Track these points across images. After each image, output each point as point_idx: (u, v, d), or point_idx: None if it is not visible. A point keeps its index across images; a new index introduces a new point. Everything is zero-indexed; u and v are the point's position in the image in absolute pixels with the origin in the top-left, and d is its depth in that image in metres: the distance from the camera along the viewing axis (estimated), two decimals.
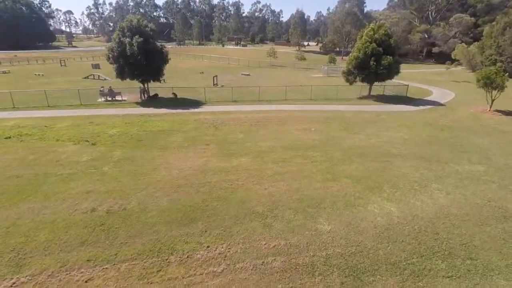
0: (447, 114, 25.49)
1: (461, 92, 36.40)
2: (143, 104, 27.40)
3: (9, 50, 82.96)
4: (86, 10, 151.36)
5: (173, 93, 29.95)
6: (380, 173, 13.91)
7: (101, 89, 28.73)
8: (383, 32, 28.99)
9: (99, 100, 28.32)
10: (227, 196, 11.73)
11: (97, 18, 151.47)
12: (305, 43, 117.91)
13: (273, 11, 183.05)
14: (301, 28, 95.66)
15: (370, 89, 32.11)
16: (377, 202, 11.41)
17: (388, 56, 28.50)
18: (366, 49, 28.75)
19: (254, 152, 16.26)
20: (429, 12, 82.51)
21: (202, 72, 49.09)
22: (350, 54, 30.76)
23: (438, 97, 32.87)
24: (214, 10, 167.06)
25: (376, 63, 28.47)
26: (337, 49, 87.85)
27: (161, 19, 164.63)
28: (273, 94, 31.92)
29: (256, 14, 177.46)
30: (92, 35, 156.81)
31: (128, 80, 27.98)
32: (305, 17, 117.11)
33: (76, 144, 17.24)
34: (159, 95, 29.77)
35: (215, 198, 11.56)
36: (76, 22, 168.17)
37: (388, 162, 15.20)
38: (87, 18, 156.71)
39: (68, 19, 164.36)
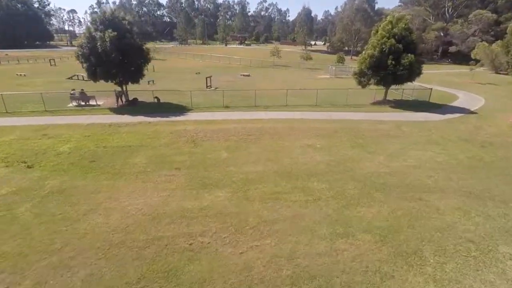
0: (483, 126, 20.79)
1: (491, 96, 31.46)
2: (118, 110, 23.37)
3: (7, 49, 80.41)
4: (89, 9, 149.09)
5: (156, 98, 25.89)
6: (414, 223, 9.50)
7: (72, 92, 24.80)
8: (403, 25, 24.40)
9: (70, 105, 24.42)
10: (180, 269, 7.49)
11: None
12: (312, 43, 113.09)
13: (279, 10, 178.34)
14: (308, 26, 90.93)
15: (386, 93, 27.54)
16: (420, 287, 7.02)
17: (409, 54, 23.91)
18: (383, 46, 24.21)
19: (237, 182, 12.00)
20: (445, 9, 76.91)
21: (199, 73, 45.05)
22: (364, 52, 26.28)
23: (466, 103, 28.07)
24: (219, 9, 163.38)
25: (394, 62, 23.91)
26: (346, 48, 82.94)
27: (165, 18, 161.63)
28: (272, 98, 27.57)
29: (262, 13, 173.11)
30: None
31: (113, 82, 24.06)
32: (312, 15, 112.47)
33: (8, 166, 13.22)
34: (141, 100, 25.73)
35: (159, 273, 7.34)
36: (80, 21, 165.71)
37: (423, 202, 10.77)
38: (90, 18, 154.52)
39: (71, 18, 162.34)
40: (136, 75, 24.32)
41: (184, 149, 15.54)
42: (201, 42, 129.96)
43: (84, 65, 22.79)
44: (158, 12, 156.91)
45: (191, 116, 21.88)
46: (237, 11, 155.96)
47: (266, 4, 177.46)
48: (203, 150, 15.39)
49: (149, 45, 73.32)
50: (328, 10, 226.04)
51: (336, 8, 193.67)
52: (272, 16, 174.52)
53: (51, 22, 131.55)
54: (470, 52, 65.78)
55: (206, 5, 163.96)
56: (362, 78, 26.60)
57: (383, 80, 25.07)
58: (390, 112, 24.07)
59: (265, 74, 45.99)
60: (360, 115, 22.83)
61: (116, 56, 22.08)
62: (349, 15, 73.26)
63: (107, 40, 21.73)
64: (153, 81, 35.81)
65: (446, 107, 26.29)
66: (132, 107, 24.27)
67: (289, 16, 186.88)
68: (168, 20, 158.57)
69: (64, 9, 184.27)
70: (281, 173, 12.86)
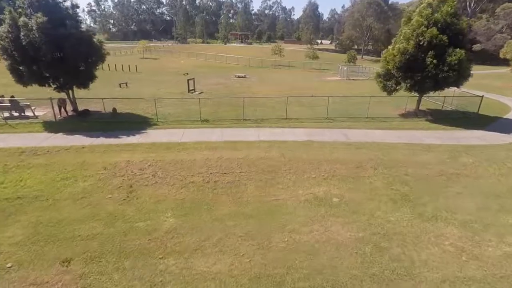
0: None
1: None
2: (55, 125, 17.00)
3: None
4: (87, 7, 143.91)
5: (113, 109, 19.44)
6: None
7: None
8: (449, 9, 17.66)
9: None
10: None
11: (97, 15, 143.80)
12: (318, 41, 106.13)
13: (284, 8, 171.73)
14: (314, 23, 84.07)
15: (419, 102, 20.79)
16: None
17: (457, 49, 17.21)
18: (420, 38, 17.50)
19: None
20: (467, 3, 69.53)
21: (187, 73, 38.67)
22: (391, 47, 19.58)
23: None
24: (222, 7, 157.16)
25: (437, 60, 17.21)
26: (355, 47, 75.88)
27: (165, 16, 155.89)
28: (268, 108, 21.04)
29: (266, 11, 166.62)
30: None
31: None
32: (318, 13, 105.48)
33: None
34: (97, 109, 19.34)
35: None
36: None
37: None
38: (88, 16, 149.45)
39: None
40: (82, 78, 17.95)
41: (106, 206, 9.08)
42: (201, 41, 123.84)
43: (6, 63, 16.48)
44: (158, 10, 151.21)
45: (149, 135, 15.41)
46: (240, 9, 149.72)
47: (270, 2, 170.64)
48: (137, 209, 8.91)
49: (141, 43, 67.70)
50: (335, 9, 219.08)
51: (343, 6, 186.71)
52: (277, 14, 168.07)
53: None
54: (496, 51, 58.72)
55: (208, 2, 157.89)
56: (388, 81, 19.90)
57: (418, 84, 18.32)
58: (431, 130, 17.28)
59: (264, 75, 39.43)
60: (391, 134, 16.13)
61: (48, 50, 15.76)
62: (360, 10, 66.23)
63: (34, 28, 15.45)
64: (126, 83, 29.52)
65: (502, 122, 19.49)
66: (79, 120, 17.90)
67: (294, 14, 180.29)
68: (168, 18, 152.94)
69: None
70: (270, 279, 6.34)
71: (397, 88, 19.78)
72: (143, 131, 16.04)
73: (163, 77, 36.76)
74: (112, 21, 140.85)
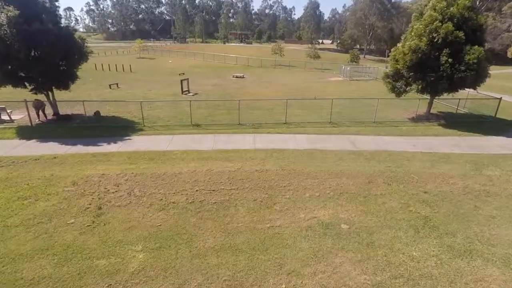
0: None
1: None
2: (30, 131, 15.38)
3: None
4: (86, 7, 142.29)
5: (95, 112, 17.79)
6: None
7: None
8: (466, 2, 15.99)
9: None
10: None
11: (96, 15, 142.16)
12: (319, 41, 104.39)
13: (284, 8, 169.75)
14: (315, 22, 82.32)
15: (430, 105, 19.11)
16: None
17: (475, 47, 15.53)
18: (434, 34, 15.84)
19: None
20: (473, 1, 67.73)
21: (183, 73, 37.09)
22: (400, 44, 17.90)
23: None
24: (222, 6, 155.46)
25: (452, 58, 15.54)
26: (358, 46, 74.17)
27: (165, 16, 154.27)
28: (266, 111, 19.42)
29: (267, 11, 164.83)
30: (91, 33, 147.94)
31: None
32: (319, 12, 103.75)
33: None
34: (80, 112, 17.71)
35: None
36: (77, 20, 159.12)
37: None
38: (86, 15, 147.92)
39: (68, 16, 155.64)
40: (62, 78, 16.33)
41: (64, 235, 7.44)
42: (200, 40, 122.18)
43: None
44: (158, 10, 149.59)
45: (133, 143, 13.77)
46: (240, 9, 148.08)
47: (270, 2, 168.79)
48: (101, 240, 7.26)
49: (137, 42, 66.22)
50: (336, 8, 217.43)
51: (344, 6, 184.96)
52: (277, 14, 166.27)
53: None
54: (503, 50, 56.95)
55: (208, 2, 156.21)
56: (397, 82, 18.22)
57: (431, 86, 16.63)
58: (447, 136, 15.58)
59: (263, 76, 37.78)
60: (403, 141, 14.44)
61: (22, 48, 14.16)
62: (362, 8, 64.50)
63: (5, 23, 13.84)
64: (117, 84, 27.91)
65: None
66: (58, 125, 16.27)
67: (294, 14, 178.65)
68: (168, 18, 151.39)
69: (59, 7, 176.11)
70: None
71: (407, 89, 18.11)
72: (127, 138, 14.40)
73: (158, 77, 35.16)
74: (110, 21, 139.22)
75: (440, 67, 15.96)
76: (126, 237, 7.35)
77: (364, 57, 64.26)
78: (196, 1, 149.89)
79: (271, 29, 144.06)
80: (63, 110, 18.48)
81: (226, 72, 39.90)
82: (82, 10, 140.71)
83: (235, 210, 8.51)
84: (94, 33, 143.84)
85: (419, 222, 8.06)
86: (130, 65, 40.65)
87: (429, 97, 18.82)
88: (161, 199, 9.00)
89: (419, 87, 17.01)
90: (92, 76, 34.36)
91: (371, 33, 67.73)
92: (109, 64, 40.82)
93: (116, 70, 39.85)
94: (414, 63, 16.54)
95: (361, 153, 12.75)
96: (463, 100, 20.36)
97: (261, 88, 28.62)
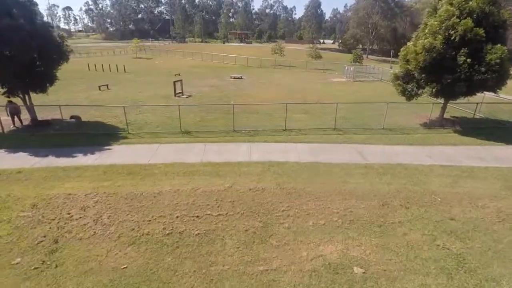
0: None
1: None
2: (1, 139, 13.82)
3: None
4: (84, 6, 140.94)
5: (73, 117, 16.15)
6: None
7: None
8: None
9: None
10: None
11: (95, 14, 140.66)
12: (321, 40, 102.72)
13: (285, 7, 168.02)
14: (317, 21, 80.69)
15: (444, 109, 17.47)
16: None
17: (497, 46, 13.91)
18: (451, 32, 14.23)
19: None
20: None
21: (179, 74, 35.50)
22: (411, 43, 16.22)
23: None
24: (222, 6, 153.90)
25: (471, 58, 13.92)
26: (360, 46, 72.51)
27: (164, 16, 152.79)
28: (264, 116, 17.83)
29: (267, 10, 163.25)
30: (90, 33, 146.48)
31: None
32: (321, 11, 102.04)
33: None
34: (63, 117, 16.07)
35: None
36: (75, 19, 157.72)
37: None
38: (85, 15, 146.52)
39: (67, 15, 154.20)
40: (38, 80, 14.76)
41: (3, 281, 5.86)
42: (200, 40, 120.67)
43: None
44: (157, 10, 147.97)
45: (112, 153, 12.18)
46: (240, 8, 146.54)
47: (271, 1, 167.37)
48: None
49: (134, 42, 64.80)
50: (337, 8, 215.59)
51: (345, 5, 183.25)
52: (278, 13, 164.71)
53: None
54: None
55: (208, 1, 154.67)
56: (408, 84, 16.59)
57: (447, 89, 14.98)
58: (466, 145, 13.93)
59: (263, 77, 36.17)
60: (417, 152, 12.81)
61: None
62: (365, 7, 62.81)
63: None
64: (107, 85, 26.35)
65: None
66: (33, 133, 14.68)
67: (295, 14, 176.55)
68: (167, 17, 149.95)
69: (57, 6, 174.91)
70: None
71: (419, 92, 16.48)
72: (107, 147, 12.81)
73: (152, 78, 33.57)
74: (109, 20, 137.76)
75: (457, 68, 14.34)
76: (79, 287, 5.76)
77: (367, 57, 62.61)
78: (196, 1, 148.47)
79: (271, 29, 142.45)
80: (43, 114, 16.97)
81: (224, 73, 38.31)
82: (81, 9, 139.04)
83: (221, 244, 6.92)
84: (93, 33, 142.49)
85: (450, 263, 6.45)
86: (124, 66, 39.09)
87: (442, 101, 17.19)
88: (133, 229, 7.42)
89: (433, 90, 15.37)
90: (84, 77, 32.86)
91: (373, 33, 66.01)
92: (102, 64, 39.28)
93: (110, 71, 38.29)
94: (427, 63, 14.88)
95: (371, 166, 11.14)
96: (475, 103, 18.73)
97: (260, 89, 27.03)
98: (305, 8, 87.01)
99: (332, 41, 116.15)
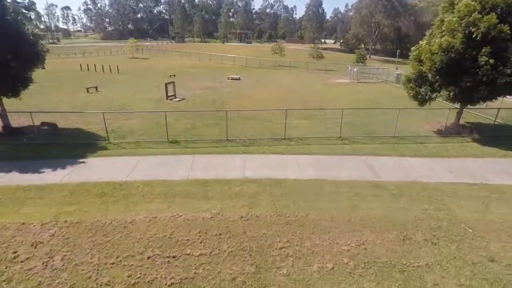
0: None
1: None
2: None
3: None
4: (83, 6, 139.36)
5: (44, 123, 14.53)
6: None
7: None
8: None
9: None
10: None
11: (93, 14, 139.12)
12: (322, 40, 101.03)
13: (285, 7, 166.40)
14: (318, 20, 79.03)
15: (460, 114, 15.84)
16: None
17: None
18: (471, 29, 12.65)
19: None
20: None
21: (174, 75, 33.94)
22: (424, 42, 14.60)
23: None
24: (222, 5, 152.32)
25: (494, 59, 12.32)
26: (362, 46, 70.77)
27: (163, 15, 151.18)
28: (261, 121, 16.22)
29: (268, 10, 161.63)
30: (88, 32, 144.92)
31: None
32: (322, 10, 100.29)
33: None
34: (33, 122, 14.46)
35: None
36: (74, 19, 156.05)
37: None
38: (84, 14, 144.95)
39: (65, 15, 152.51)
40: (9, 83, 13.19)
41: None
42: (199, 40, 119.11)
43: None
44: (156, 9, 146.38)
45: (86, 168, 10.59)
46: (240, 8, 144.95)
47: (271, 1, 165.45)
48: None
49: (130, 41, 63.32)
50: (338, 8, 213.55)
51: (347, 5, 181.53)
52: (278, 13, 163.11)
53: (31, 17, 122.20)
54: None
55: (208, 1, 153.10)
56: (420, 87, 14.97)
57: (466, 92, 13.38)
58: (489, 157, 12.30)
59: (262, 78, 34.57)
60: (436, 166, 11.18)
61: None
62: (368, 5, 61.11)
63: None
64: (96, 87, 24.80)
65: None
66: (2, 142, 13.13)
67: (296, 13, 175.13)
68: (166, 17, 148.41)
69: (56, 6, 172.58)
70: None
71: (433, 96, 14.87)
72: (81, 160, 11.24)
73: (146, 79, 31.99)
74: (108, 20, 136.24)
75: (478, 70, 12.74)
76: None
77: (370, 57, 60.92)
78: (196, 0, 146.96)
79: (272, 28, 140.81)
80: (20, 120, 15.45)
81: (221, 73, 36.73)
82: (79, 9, 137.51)
83: None
84: (92, 33, 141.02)
85: None
86: (117, 66, 37.53)
87: (457, 106, 15.59)
88: (90, 277, 5.84)
89: (450, 94, 13.78)
90: (75, 78, 31.33)
91: (376, 32, 64.31)
92: (95, 65, 37.76)
93: (103, 71, 36.77)
94: (444, 64, 13.27)
95: (384, 186, 9.54)
96: (494, 109, 17.10)
97: (259, 91, 25.44)
98: (306, 8, 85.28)
99: (333, 41, 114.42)
